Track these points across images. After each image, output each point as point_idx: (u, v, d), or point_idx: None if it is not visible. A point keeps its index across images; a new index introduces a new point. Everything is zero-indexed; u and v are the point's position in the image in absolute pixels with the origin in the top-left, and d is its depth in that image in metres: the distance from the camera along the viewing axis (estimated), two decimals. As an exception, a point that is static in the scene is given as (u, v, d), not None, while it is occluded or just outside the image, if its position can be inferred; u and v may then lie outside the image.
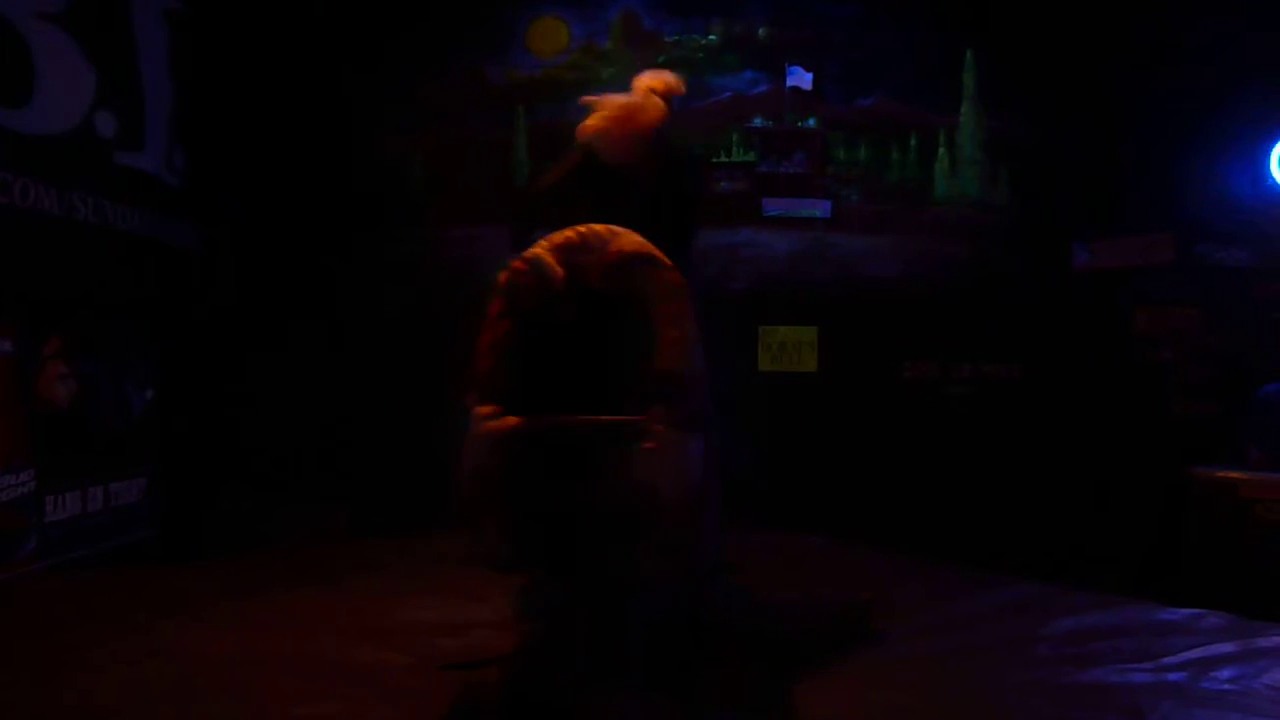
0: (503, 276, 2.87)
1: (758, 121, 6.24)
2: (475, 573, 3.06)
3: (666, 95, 3.39)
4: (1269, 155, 5.59)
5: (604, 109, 3.33)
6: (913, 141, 6.29)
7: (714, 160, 6.20)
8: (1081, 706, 2.72)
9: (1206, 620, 3.50)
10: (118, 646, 3.15)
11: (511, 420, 2.63)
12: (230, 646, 3.16)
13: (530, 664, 2.76)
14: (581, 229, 2.83)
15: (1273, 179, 5.59)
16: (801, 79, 6.18)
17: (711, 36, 6.26)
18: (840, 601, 3.40)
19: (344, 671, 2.95)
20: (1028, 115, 6.26)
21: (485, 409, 2.66)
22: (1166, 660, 3.07)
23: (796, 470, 5.77)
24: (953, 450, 5.91)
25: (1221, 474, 4.68)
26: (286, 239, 5.90)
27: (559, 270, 2.76)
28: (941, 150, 6.30)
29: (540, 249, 2.82)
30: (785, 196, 6.23)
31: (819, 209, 6.24)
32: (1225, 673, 2.96)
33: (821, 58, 6.23)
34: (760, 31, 6.27)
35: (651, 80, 3.41)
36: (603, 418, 2.62)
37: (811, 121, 6.26)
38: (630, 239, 2.80)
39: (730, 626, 3.09)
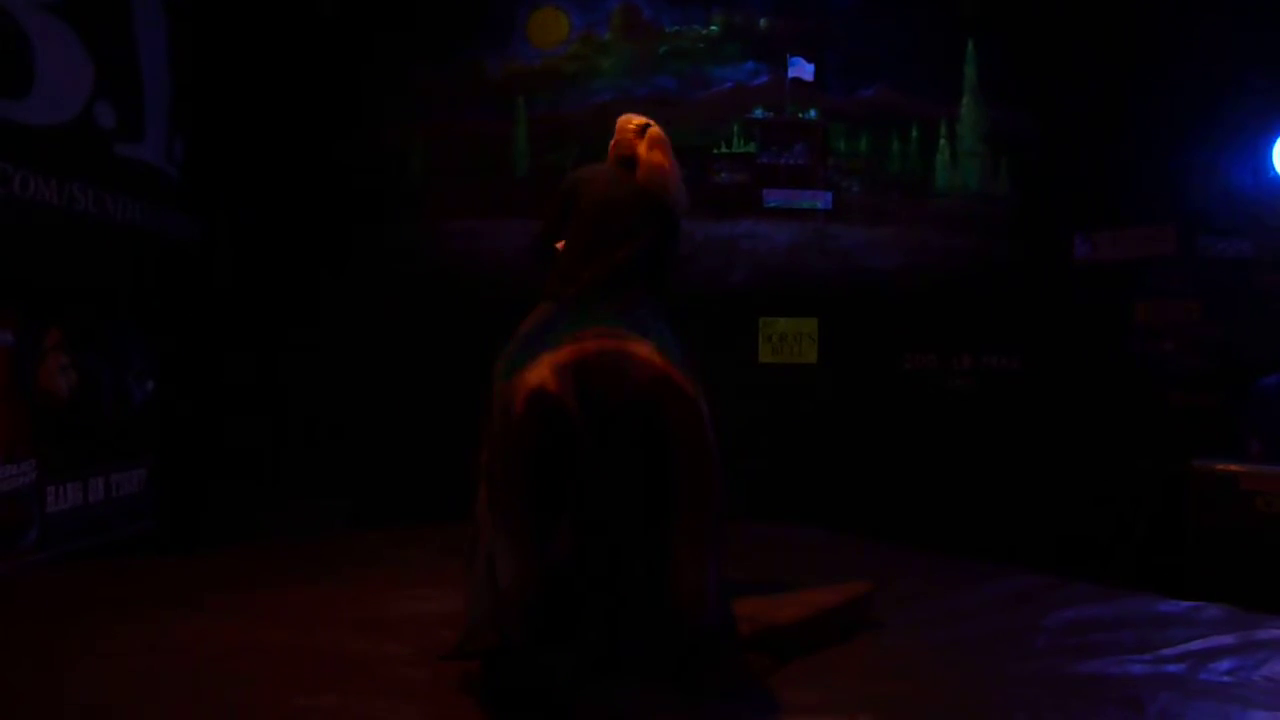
0: (517, 406, 2.60)
1: (758, 113, 6.23)
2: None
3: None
4: (1270, 147, 5.58)
5: (660, 147, 3.22)
6: (914, 133, 6.28)
7: (715, 152, 6.19)
8: (1081, 698, 2.72)
9: (1206, 612, 3.51)
10: (118, 637, 3.15)
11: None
12: (230, 638, 3.17)
13: (529, 656, 2.76)
14: (591, 346, 2.64)
15: (1274, 171, 5.57)
16: (802, 70, 6.17)
17: (712, 27, 6.25)
18: (841, 593, 3.40)
19: (343, 663, 2.95)
20: (1029, 107, 6.25)
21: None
22: (1166, 652, 3.08)
23: (796, 462, 5.78)
24: (953, 442, 5.92)
25: (1222, 466, 4.68)
26: (286, 230, 5.90)
27: (573, 406, 2.56)
28: (943, 142, 6.29)
29: (548, 375, 2.58)
30: (786, 188, 6.22)
31: (820, 200, 6.23)
32: (1224, 664, 2.96)
33: (822, 49, 6.22)
34: (761, 22, 6.26)
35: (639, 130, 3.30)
36: None
37: (812, 113, 6.25)
38: (648, 358, 2.64)
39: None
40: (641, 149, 3.22)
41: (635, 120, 3.33)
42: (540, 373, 2.61)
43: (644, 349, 2.68)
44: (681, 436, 2.62)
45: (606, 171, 3.29)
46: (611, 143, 3.39)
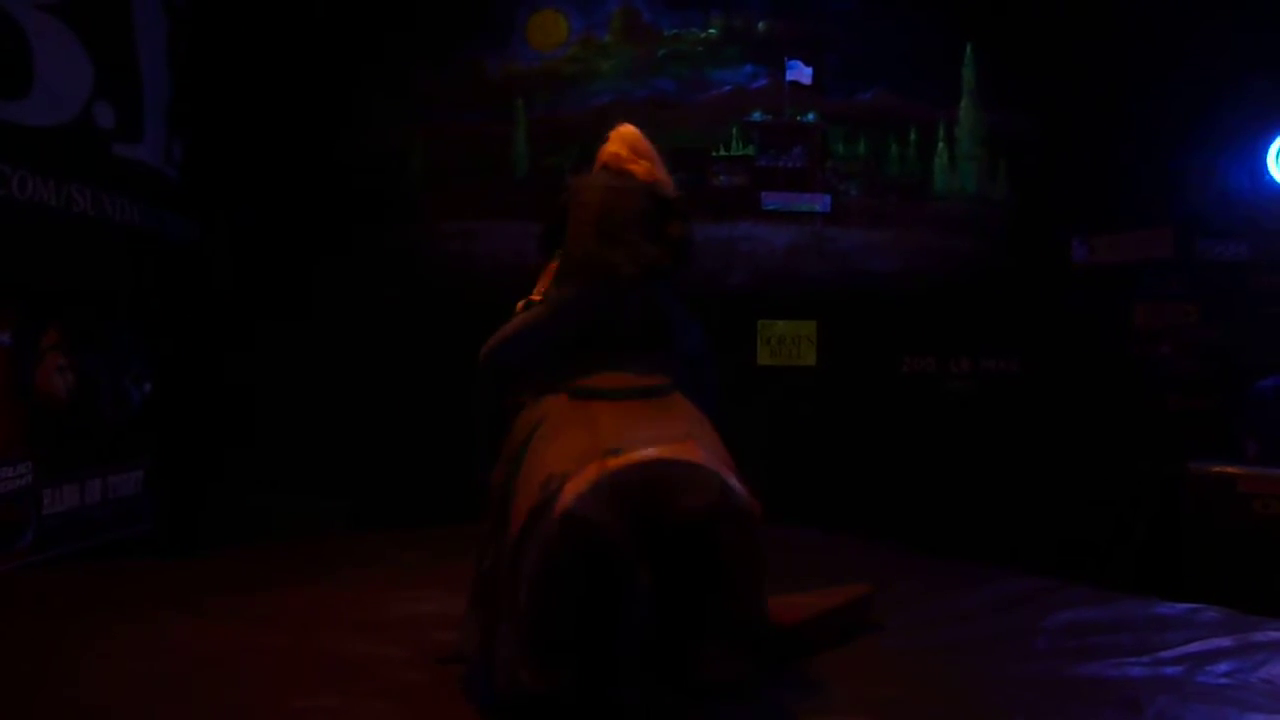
0: (551, 536, 2.29)
1: (757, 116, 6.23)
2: (472, 566, 3.06)
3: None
4: (1267, 151, 5.59)
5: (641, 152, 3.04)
6: (912, 136, 6.29)
7: (713, 154, 6.20)
8: (1079, 700, 2.73)
9: (1203, 615, 3.51)
10: (115, 640, 3.14)
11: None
12: (228, 640, 3.16)
13: (527, 658, 2.75)
14: (635, 459, 2.32)
15: (1271, 175, 5.59)
16: (801, 73, 6.17)
17: (711, 30, 6.25)
18: (840, 595, 3.40)
19: (342, 665, 2.95)
20: (1027, 110, 6.26)
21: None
22: (1163, 654, 3.08)
23: (795, 464, 5.78)
24: (951, 444, 5.92)
25: (1219, 469, 4.69)
26: (285, 231, 5.90)
27: (617, 537, 2.26)
28: (941, 145, 6.30)
29: (586, 496, 2.27)
30: (784, 191, 6.23)
31: (818, 203, 6.24)
32: (1222, 667, 2.96)
33: (821, 52, 6.22)
34: (760, 25, 6.26)
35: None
36: None
37: (811, 116, 6.25)
38: (702, 467, 2.36)
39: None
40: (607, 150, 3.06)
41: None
42: (577, 491, 2.28)
43: (695, 452, 2.39)
44: (736, 559, 2.38)
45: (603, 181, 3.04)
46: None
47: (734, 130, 6.21)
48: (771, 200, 6.21)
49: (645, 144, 3.10)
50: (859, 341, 6.11)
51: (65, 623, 3.33)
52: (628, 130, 3.13)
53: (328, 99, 5.98)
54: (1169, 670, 2.95)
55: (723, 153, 6.20)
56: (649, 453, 2.33)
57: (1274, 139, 5.58)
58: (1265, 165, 5.61)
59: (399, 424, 5.64)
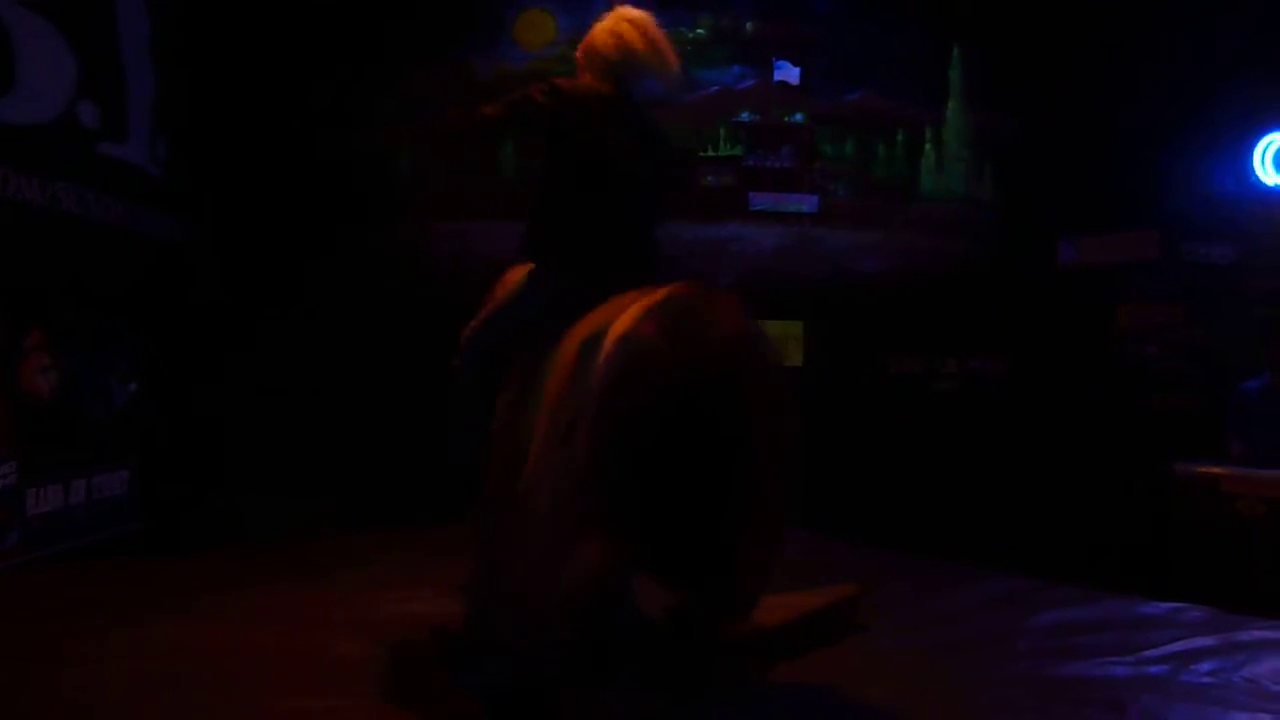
0: (605, 358, 2.22)
1: (745, 116, 6.24)
2: (464, 567, 3.05)
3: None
4: (1252, 153, 5.63)
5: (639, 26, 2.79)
6: (899, 137, 6.31)
7: (701, 155, 6.20)
8: (1063, 700, 2.74)
9: (1187, 614, 3.53)
10: (103, 640, 3.12)
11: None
12: (217, 640, 3.15)
13: (520, 658, 2.76)
14: (682, 289, 2.31)
15: (1256, 176, 5.62)
16: (789, 74, 6.19)
17: (699, 30, 6.26)
18: (826, 596, 3.41)
19: (332, 665, 2.93)
20: (1014, 112, 6.29)
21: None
22: (1147, 654, 3.09)
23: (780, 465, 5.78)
24: (938, 445, 5.93)
25: (1203, 469, 4.72)
26: (271, 230, 5.87)
27: (669, 353, 2.21)
28: (928, 146, 6.32)
29: (639, 320, 2.22)
30: (772, 191, 6.24)
31: (806, 204, 6.25)
32: (1205, 666, 2.98)
33: (809, 53, 6.24)
34: (748, 26, 6.27)
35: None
36: None
37: (798, 116, 6.26)
38: (735, 306, 2.36)
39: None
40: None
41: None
42: (627, 320, 2.25)
43: (728, 299, 2.39)
44: (762, 418, 2.39)
45: (601, 103, 2.77)
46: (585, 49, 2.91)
47: (722, 130, 6.22)
48: (759, 201, 6.22)
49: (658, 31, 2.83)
50: (846, 342, 6.13)
51: (51, 623, 3.30)
52: (637, 15, 2.85)
53: (314, 98, 5.96)
54: (1153, 669, 2.96)
55: (710, 153, 6.21)
56: (682, 287, 2.35)
57: (1258, 141, 5.61)
58: (1251, 167, 5.64)
59: (389, 424, 5.63)
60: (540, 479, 2.34)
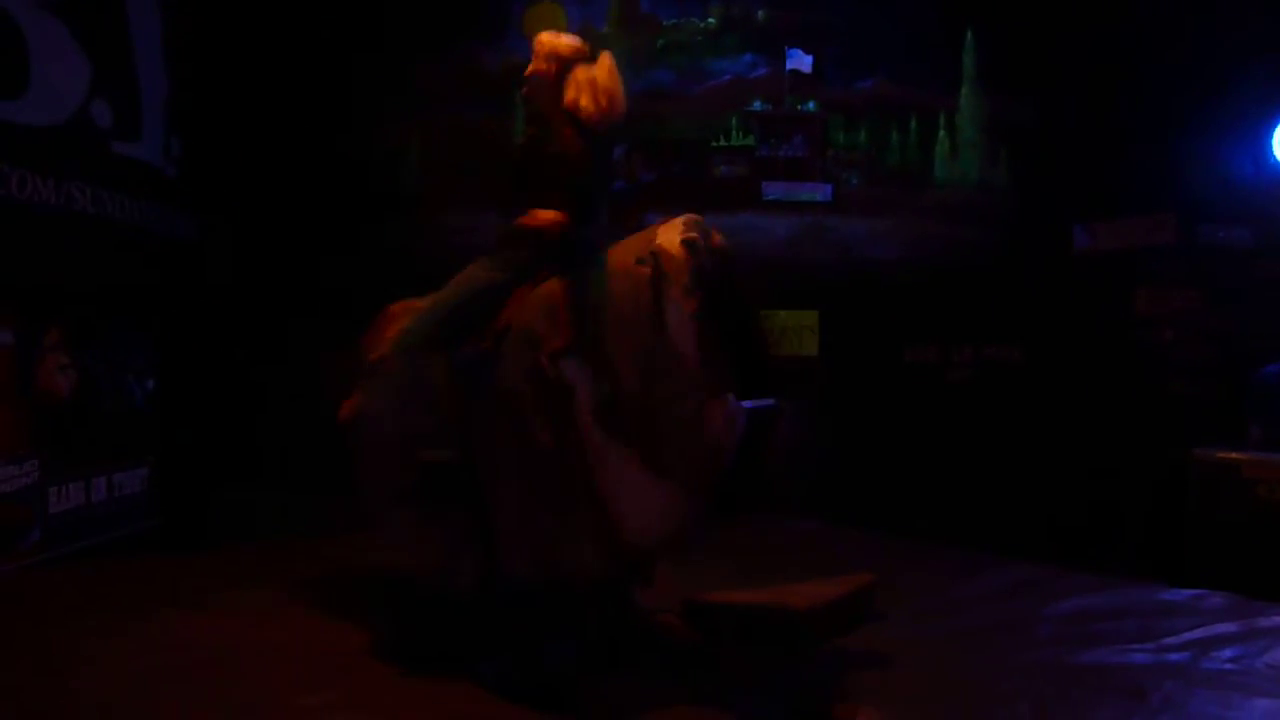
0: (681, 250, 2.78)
1: (757, 105, 6.22)
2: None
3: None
4: (1270, 135, 5.57)
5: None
6: (913, 124, 6.27)
7: (713, 145, 6.18)
8: (1084, 687, 2.73)
9: (1208, 600, 3.51)
10: (121, 636, 3.15)
11: None
12: (233, 636, 3.17)
13: (528, 650, 2.77)
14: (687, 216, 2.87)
15: (1274, 159, 5.56)
16: (801, 62, 6.15)
17: (710, 20, 6.23)
18: (844, 584, 3.40)
19: (346, 660, 2.95)
20: (1028, 97, 6.24)
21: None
22: (1168, 640, 3.08)
23: (796, 454, 5.76)
24: (954, 433, 5.91)
25: (1223, 454, 4.68)
26: (284, 227, 5.89)
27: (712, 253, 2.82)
28: (942, 133, 6.28)
29: (678, 234, 2.80)
30: (785, 180, 6.22)
31: (819, 193, 6.22)
32: (1227, 652, 2.96)
33: (821, 40, 6.20)
34: (759, 14, 6.24)
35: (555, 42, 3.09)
36: None
37: (811, 105, 6.23)
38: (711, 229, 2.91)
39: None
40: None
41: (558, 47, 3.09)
42: (677, 228, 2.81)
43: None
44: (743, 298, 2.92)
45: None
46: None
47: (734, 120, 6.20)
48: (772, 190, 6.20)
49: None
50: (861, 331, 6.10)
51: (71, 619, 3.34)
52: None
53: (325, 94, 5.97)
54: (1174, 656, 2.95)
55: (723, 143, 6.19)
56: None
57: (1276, 124, 5.55)
58: (1268, 150, 5.58)
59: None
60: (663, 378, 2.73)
